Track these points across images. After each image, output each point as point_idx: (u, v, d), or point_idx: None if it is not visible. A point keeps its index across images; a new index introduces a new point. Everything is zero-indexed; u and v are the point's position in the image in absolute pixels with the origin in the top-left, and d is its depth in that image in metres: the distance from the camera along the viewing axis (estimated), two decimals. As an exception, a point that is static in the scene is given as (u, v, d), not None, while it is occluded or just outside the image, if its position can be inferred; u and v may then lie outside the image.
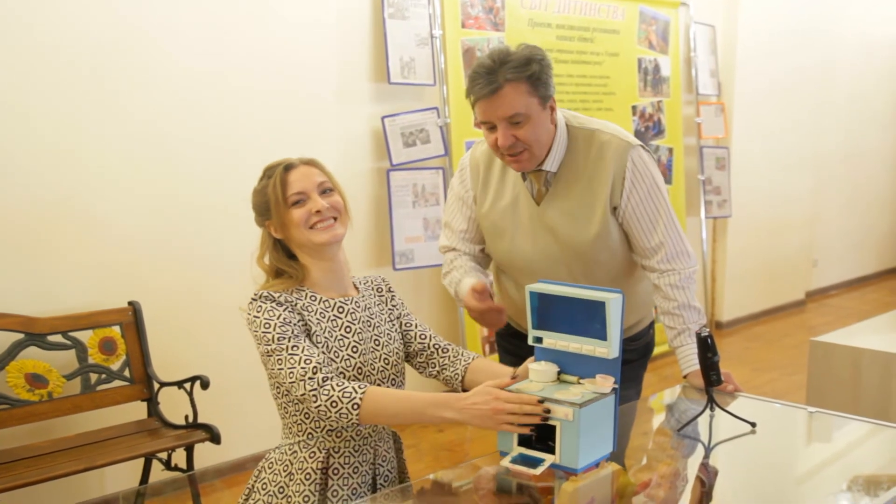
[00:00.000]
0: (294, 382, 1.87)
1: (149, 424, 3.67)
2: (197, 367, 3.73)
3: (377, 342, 2.07)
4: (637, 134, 6.22)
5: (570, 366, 1.89)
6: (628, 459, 2.08)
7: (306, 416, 1.99)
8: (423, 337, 2.18)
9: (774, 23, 7.31)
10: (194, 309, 3.98)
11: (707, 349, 2.10)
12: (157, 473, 3.68)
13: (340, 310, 2.03)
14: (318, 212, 1.98)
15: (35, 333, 3.46)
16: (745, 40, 7.12)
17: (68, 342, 3.55)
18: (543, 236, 2.41)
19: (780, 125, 7.56)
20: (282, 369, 1.89)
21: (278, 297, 1.96)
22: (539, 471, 1.74)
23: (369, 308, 2.11)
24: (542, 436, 1.78)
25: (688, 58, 6.81)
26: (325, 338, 1.98)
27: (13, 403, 3.38)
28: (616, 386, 1.83)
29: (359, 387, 1.86)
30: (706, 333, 2.10)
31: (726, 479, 1.99)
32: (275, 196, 1.98)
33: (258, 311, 1.94)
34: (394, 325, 2.16)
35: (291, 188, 1.99)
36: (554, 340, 1.89)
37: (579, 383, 1.85)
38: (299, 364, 1.88)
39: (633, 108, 6.22)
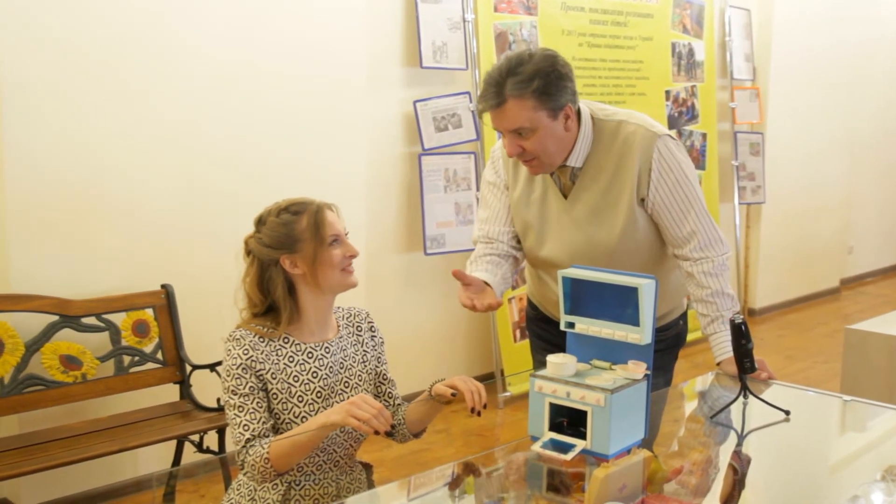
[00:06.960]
0: (234, 443, 2.01)
1: (181, 406, 3.71)
2: (229, 351, 3.75)
3: (346, 384, 2.15)
4: (670, 119, 6.17)
5: (603, 351, 1.88)
6: (660, 446, 2.07)
7: None
8: (388, 396, 2.27)
9: (810, 6, 7.22)
10: (227, 292, 3.97)
11: (741, 336, 2.08)
12: (190, 455, 3.71)
13: (310, 355, 2.11)
14: (351, 256, 2.11)
15: (69, 315, 3.49)
16: (781, 24, 7.04)
17: (102, 324, 3.58)
18: (570, 231, 2.39)
19: (816, 110, 7.47)
20: (229, 424, 2.03)
21: (249, 340, 2.07)
22: (570, 456, 1.73)
23: (344, 350, 2.18)
24: (573, 421, 1.78)
25: (722, 42, 6.73)
26: (290, 383, 2.06)
27: (48, 385, 3.42)
28: (648, 372, 1.81)
29: (265, 443, 1.95)
30: (740, 320, 2.08)
31: (759, 467, 1.97)
32: (311, 233, 2.07)
33: (227, 354, 2.07)
34: (367, 366, 2.22)
35: (329, 228, 2.08)
36: (586, 326, 1.88)
37: (611, 369, 1.85)
38: (238, 428, 1.99)
39: (667, 92, 6.17)
